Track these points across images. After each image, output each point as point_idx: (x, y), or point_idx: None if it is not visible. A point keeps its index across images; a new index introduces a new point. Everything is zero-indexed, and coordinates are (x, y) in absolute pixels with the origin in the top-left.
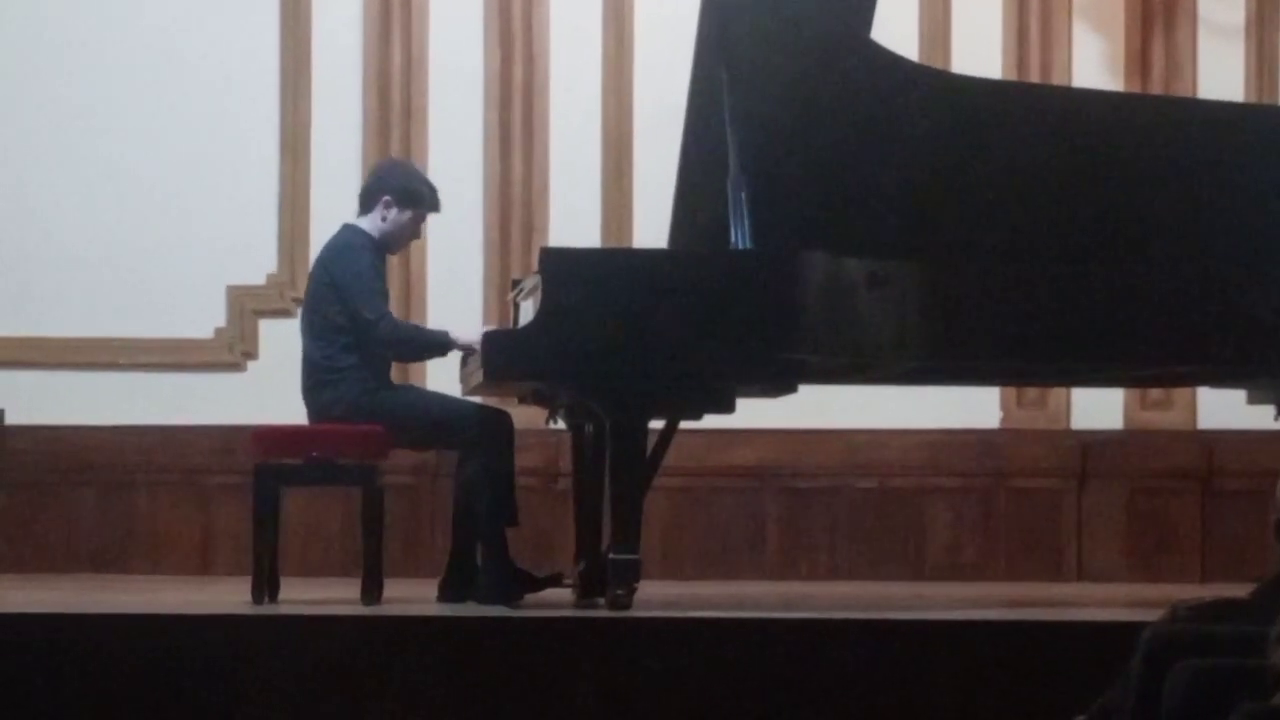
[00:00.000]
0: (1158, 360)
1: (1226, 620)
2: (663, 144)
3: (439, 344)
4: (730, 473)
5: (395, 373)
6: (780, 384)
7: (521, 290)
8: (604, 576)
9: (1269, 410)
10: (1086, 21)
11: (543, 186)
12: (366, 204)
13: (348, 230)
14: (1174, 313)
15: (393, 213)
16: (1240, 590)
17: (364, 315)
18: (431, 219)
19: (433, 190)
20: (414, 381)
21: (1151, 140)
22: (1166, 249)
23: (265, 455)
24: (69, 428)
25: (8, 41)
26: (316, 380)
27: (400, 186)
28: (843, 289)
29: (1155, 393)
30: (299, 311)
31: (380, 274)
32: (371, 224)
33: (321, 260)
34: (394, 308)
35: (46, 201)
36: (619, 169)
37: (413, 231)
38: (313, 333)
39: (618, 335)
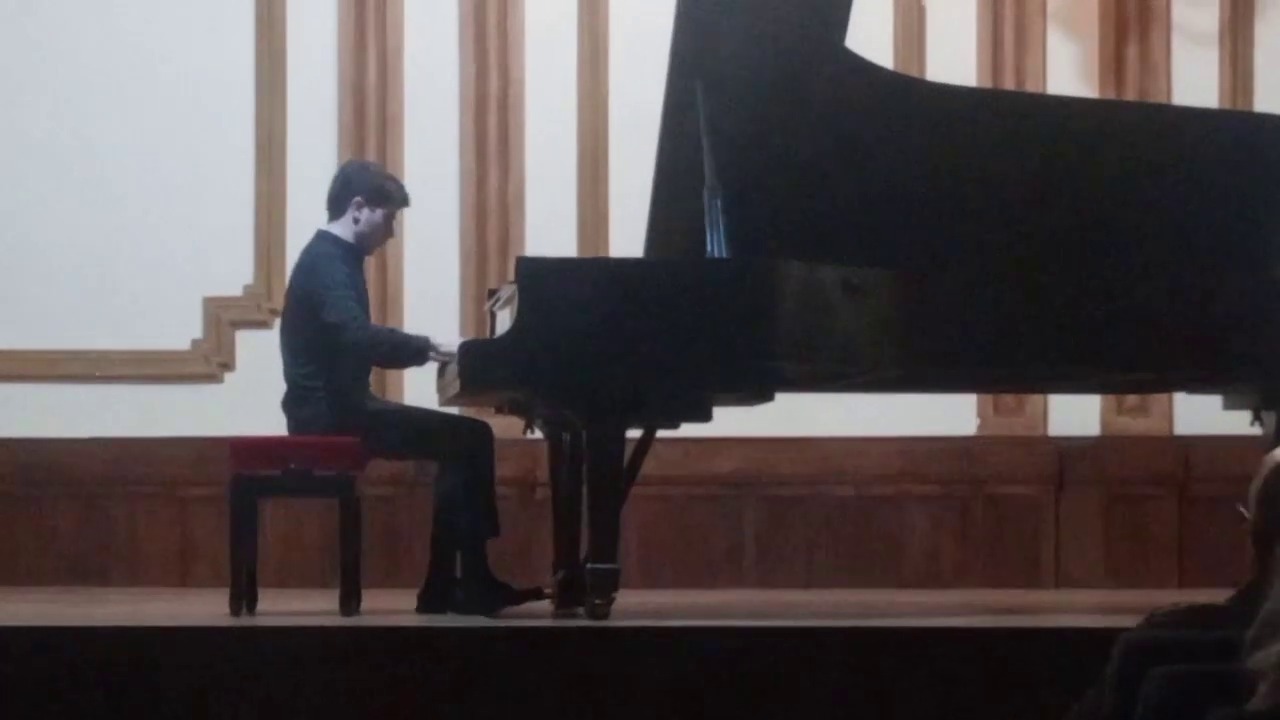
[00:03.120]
0: (1135, 366)
1: (1204, 626)
2: (638, 152)
3: (415, 348)
4: (708, 481)
5: (373, 384)
6: (757, 392)
7: (498, 299)
8: (582, 586)
9: (1245, 416)
10: (1061, 28)
11: (519, 195)
12: (337, 208)
13: (322, 239)
14: (1150, 319)
15: (365, 213)
16: (1218, 596)
17: (328, 319)
18: (407, 229)
19: (400, 186)
20: (391, 392)
21: (1127, 147)
22: (1142, 255)
23: (242, 466)
24: (45, 440)
25: None
26: (296, 397)
27: (370, 186)
28: (818, 297)
29: (1131, 399)
30: (276, 323)
31: (354, 280)
32: (344, 228)
33: (295, 275)
34: (372, 317)
35: (22, 214)
36: (595, 177)
37: (387, 229)
38: (291, 350)
39: (594, 344)
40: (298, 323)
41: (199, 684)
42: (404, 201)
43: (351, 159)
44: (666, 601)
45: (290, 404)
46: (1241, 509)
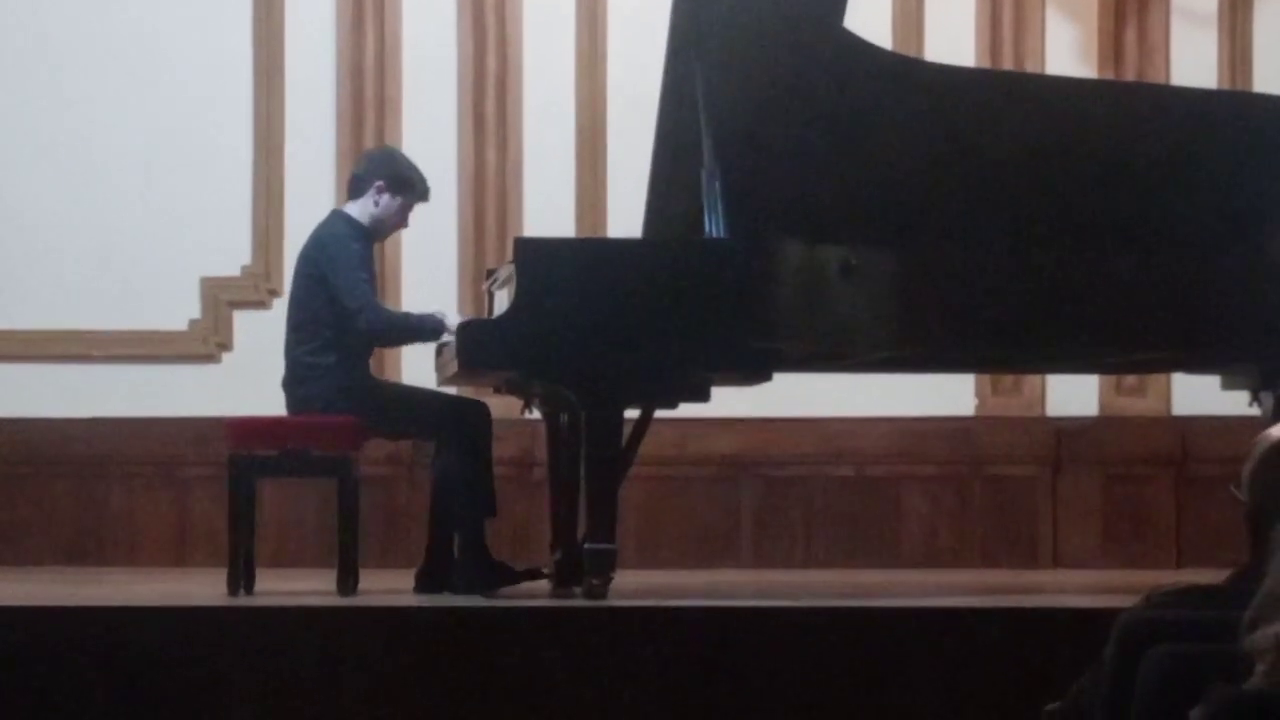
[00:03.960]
0: (1132, 347)
1: (1202, 606)
2: (637, 133)
3: (429, 329)
4: (706, 462)
5: (372, 364)
6: (755, 372)
7: (496, 280)
8: (580, 566)
9: (1243, 396)
10: (1060, 8)
11: (517, 176)
12: (357, 190)
13: (336, 218)
14: (1148, 299)
15: (384, 199)
16: (1216, 576)
17: (344, 304)
18: None
19: (423, 180)
20: (390, 371)
21: (1125, 127)
22: (1140, 235)
23: (239, 447)
24: (43, 420)
25: None
26: (296, 375)
27: (394, 173)
28: (817, 277)
29: (1130, 379)
30: (274, 303)
31: (366, 262)
32: (361, 210)
33: (307, 253)
34: None
35: (20, 194)
36: (593, 158)
37: (401, 219)
38: (295, 326)
39: (592, 325)
40: (304, 299)
41: (197, 664)
42: (424, 195)
43: (381, 145)
44: (664, 581)
45: (290, 383)
46: (1235, 490)
